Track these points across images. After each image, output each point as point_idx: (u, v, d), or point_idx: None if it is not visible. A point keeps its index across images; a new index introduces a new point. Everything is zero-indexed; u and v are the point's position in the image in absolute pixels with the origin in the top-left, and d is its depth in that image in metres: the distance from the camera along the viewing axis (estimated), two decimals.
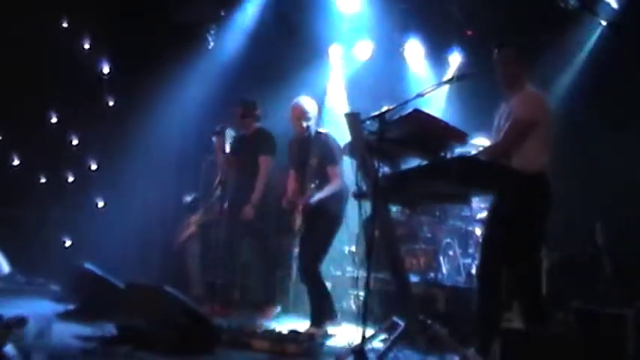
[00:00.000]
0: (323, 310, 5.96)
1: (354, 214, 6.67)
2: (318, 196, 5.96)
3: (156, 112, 8.36)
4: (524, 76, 4.75)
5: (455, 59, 8.83)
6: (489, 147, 4.94)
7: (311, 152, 6.03)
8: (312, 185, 6.01)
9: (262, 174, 6.63)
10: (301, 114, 6.12)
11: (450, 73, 8.76)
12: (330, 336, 5.64)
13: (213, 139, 7.04)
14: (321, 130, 6.16)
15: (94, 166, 9.18)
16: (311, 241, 6.05)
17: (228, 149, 7.05)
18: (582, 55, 8.47)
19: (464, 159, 4.50)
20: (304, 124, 6.10)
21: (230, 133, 7.07)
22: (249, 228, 6.79)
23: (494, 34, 8.36)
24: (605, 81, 8.30)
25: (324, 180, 5.99)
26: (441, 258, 6.89)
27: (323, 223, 5.96)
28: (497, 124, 4.81)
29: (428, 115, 4.47)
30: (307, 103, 6.21)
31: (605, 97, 8.37)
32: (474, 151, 5.26)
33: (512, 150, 4.62)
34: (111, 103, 9.29)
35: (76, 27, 9.17)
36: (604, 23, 7.92)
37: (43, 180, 9.06)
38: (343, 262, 7.62)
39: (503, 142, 4.67)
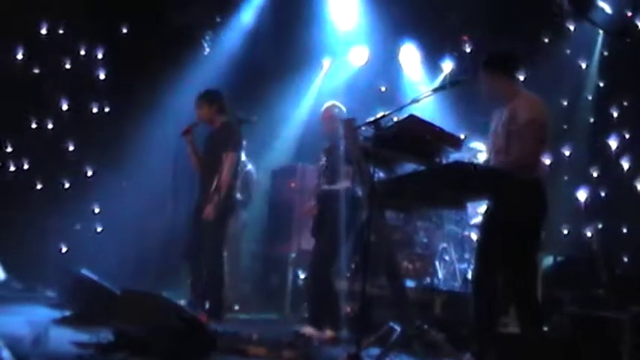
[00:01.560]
0: (323, 314, 5.91)
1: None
2: (332, 186, 5.91)
3: (151, 118, 8.37)
4: (517, 83, 4.74)
5: (447, 66, 8.87)
6: (510, 162, 4.52)
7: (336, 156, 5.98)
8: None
9: (225, 171, 6.03)
10: (332, 120, 6.00)
11: (443, 79, 8.81)
12: (328, 341, 5.63)
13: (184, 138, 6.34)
14: None
15: (90, 172, 9.17)
16: (322, 242, 5.99)
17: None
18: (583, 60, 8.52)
19: (460, 164, 4.51)
20: (336, 130, 5.92)
21: None
22: (206, 231, 6.03)
23: (490, 39, 8.44)
24: (606, 85, 8.36)
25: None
26: (437, 263, 6.90)
27: (336, 226, 5.86)
28: (494, 130, 4.80)
29: (423, 120, 4.48)
30: (337, 108, 6.09)
31: (607, 102, 8.44)
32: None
33: (537, 158, 4.56)
34: (107, 109, 9.30)
35: (71, 32, 9.18)
36: (601, 32, 7.95)
37: (39, 186, 9.05)
38: (340, 267, 7.62)
39: (526, 154, 4.46)
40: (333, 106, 6.15)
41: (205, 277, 6.13)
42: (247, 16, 9.02)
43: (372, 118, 4.44)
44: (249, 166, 7.64)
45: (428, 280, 6.69)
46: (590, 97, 8.63)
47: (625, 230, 7.99)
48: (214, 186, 5.99)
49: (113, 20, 9.14)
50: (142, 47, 9.01)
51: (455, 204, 5.17)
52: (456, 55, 8.95)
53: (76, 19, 9.12)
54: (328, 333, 5.78)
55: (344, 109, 6.14)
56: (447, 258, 7.05)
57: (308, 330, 5.72)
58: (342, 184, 5.87)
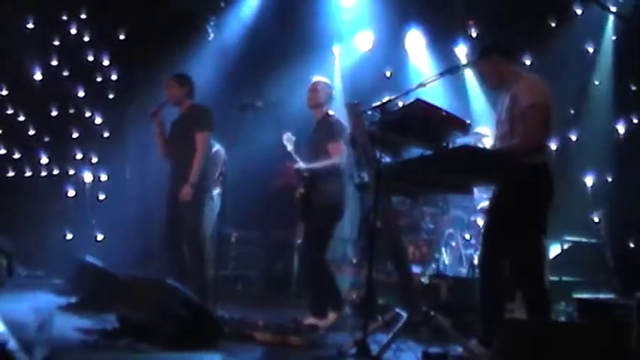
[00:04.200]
0: (324, 301, 5.83)
1: (356, 204, 6.67)
2: (312, 165, 5.77)
3: (155, 103, 8.34)
4: (515, 67, 4.72)
5: (460, 51, 8.77)
6: (515, 146, 4.49)
7: (318, 133, 5.90)
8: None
9: (199, 152, 5.95)
10: (316, 95, 5.91)
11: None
12: (333, 327, 5.61)
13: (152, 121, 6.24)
14: (330, 112, 5.96)
15: (94, 159, 9.17)
16: (310, 228, 5.89)
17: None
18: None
19: (467, 148, 4.47)
20: (320, 107, 5.91)
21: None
22: (181, 214, 5.94)
23: (497, 23, 8.37)
24: (615, 69, 8.29)
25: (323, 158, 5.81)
26: (443, 248, 6.89)
27: (322, 209, 5.77)
28: (498, 116, 4.77)
29: (430, 104, 4.44)
30: (324, 83, 6.00)
31: (615, 86, 8.37)
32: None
33: (543, 140, 4.56)
34: (111, 96, 9.28)
35: (75, 18, 9.14)
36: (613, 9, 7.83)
37: (43, 173, 9.04)
38: (346, 253, 7.60)
39: (531, 137, 4.43)
40: (320, 81, 6.03)
41: (188, 258, 5.97)
42: (252, 1, 8.96)
43: (378, 103, 4.41)
44: (217, 146, 7.56)
45: (434, 265, 6.67)
46: (597, 82, 8.56)
47: (632, 216, 7.93)
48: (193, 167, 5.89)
49: (118, 3, 9.09)
50: (145, 33, 8.97)
51: (461, 188, 5.13)
52: (463, 39, 8.87)
53: (80, 4, 9.09)
54: (331, 316, 5.74)
55: (330, 84, 6.07)
56: (453, 243, 7.04)
57: (310, 321, 5.67)
58: (327, 162, 5.74)
